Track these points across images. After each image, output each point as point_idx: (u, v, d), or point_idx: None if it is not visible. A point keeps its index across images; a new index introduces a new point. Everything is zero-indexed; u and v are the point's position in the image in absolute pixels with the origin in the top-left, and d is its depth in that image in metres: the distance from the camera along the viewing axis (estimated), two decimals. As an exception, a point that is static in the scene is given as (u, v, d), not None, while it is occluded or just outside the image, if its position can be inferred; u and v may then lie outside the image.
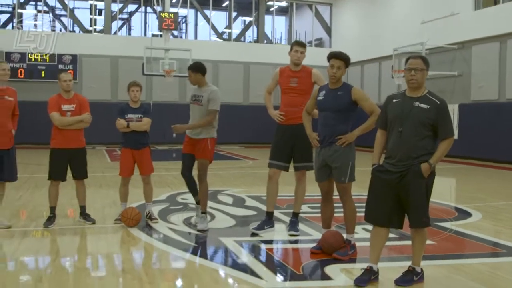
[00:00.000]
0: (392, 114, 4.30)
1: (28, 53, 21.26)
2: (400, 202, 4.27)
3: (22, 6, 24.60)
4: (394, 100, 4.36)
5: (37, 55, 21.46)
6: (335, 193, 5.35)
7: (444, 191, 11.55)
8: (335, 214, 5.58)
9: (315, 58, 13.37)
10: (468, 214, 7.64)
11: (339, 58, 5.07)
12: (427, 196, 4.29)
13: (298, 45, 6.18)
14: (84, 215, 6.66)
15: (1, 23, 24.63)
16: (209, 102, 6.45)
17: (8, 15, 24.96)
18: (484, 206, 8.37)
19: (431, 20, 18.58)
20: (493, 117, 16.41)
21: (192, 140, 6.50)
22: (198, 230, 6.29)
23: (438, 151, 4.24)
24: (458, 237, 6.27)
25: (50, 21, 25.63)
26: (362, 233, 5.99)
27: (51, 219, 6.44)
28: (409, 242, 5.80)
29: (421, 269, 4.43)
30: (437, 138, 4.27)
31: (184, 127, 6.49)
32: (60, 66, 21.46)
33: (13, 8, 23.78)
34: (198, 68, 6.53)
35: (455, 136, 15.76)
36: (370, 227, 6.38)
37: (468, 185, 11.62)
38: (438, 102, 4.20)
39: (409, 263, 4.50)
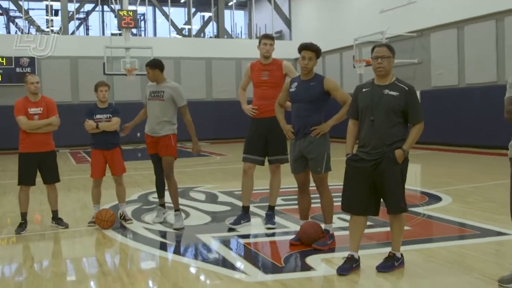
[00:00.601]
0: (362, 103, 4.34)
1: (-16, 57, 20.68)
2: (376, 189, 4.32)
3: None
4: (363, 90, 4.39)
5: (-7, 59, 20.87)
6: (312, 184, 5.39)
7: (413, 176, 11.78)
8: (312, 205, 5.62)
9: (277, 51, 13.37)
10: (438, 199, 7.81)
11: (310, 50, 5.10)
12: (403, 182, 4.35)
13: (266, 38, 6.20)
14: (56, 219, 6.53)
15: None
16: (176, 99, 6.43)
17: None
18: (453, 189, 8.58)
19: (390, 9, 18.87)
20: (454, 103, 16.80)
21: (154, 138, 6.46)
22: (175, 229, 6.25)
23: (409, 137, 4.29)
24: (431, 221, 6.41)
25: (5, 24, 24.95)
26: (339, 223, 6.05)
27: (22, 225, 6.29)
28: (387, 229, 5.91)
29: (401, 254, 4.51)
30: (408, 124, 4.34)
31: (195, 143, 6.63)
32: (18, 69, 20.92)
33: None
34: (156, 65, 6.49)
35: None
36: (346, 216, 6.44)
37: (435, 170, 11.87)
38: (407, 88, 4.25)
39: (389, 249, 4.57)
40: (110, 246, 5.80)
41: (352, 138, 4.49)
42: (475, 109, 16.04)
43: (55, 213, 6.56)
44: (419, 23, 18.08)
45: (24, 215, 6.36)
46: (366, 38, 18.77)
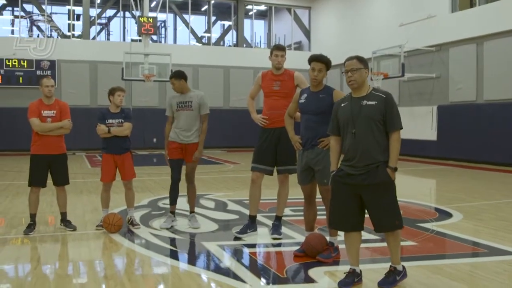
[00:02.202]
0: (343, 118, 4.30)
1: (6, 59, 21.03)
2: (362, 204, 4.26)
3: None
4: (342, 105, 4.36)
5: (15, 61, 21.23)
6: (318, 195, 5.37)
7: (425, 192, 11.68)
8: (318, 217, 5.59)
9: (294, 61, 13.45)
10: (449, 215, 7.72)
11: (320, 61, 5.10)
12: (396, 197, 4.28)
13: (277, 49, 6.20)
14: (65, 221, 6.59)
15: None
16: (202, 107, 6.69)
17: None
18: (465, 206, 8.47)
19: (409, 22, 18.79)
20: (471, 118, 16.63)
21: (182, 145, 6.66)
22: (193, 228, 6.62)
23: (392, 152, 4.22)
24: (440, 238, 6.33)
25: (28, 27, 25.33)
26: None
27: (31, 226, 6.36)
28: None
29: (403, 267, 4.46)
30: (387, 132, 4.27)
31: (200, 151, 6.73)
32: (38, 72, 21.23)
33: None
34: (181, 75, 6.76)
35: (434, 137, 15.99)
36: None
37: (448, 186, 11.74)
38: (384, 96, 4.21)
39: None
40: (116, 250, 5.82)
41: (336, 155, 4.44)
42: (492, 126, 15.87)
43: (63, 215, 6.61)
44: (438, 37, 17.98)
45: (33, 216, 6.43)
46: (385, 51, 18.75)
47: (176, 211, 6.92)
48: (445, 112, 17.67)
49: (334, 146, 4.42)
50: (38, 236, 6.26)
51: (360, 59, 4.25)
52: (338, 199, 4.29)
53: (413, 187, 12.25)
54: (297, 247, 5.45)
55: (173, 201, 6.85)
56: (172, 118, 6.78)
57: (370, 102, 4.18)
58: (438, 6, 18.11)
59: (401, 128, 4.20)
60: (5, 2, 24.45)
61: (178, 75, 6.73)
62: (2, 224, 7.04)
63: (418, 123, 18.57)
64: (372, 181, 4.12)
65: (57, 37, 24.06)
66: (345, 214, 4.26)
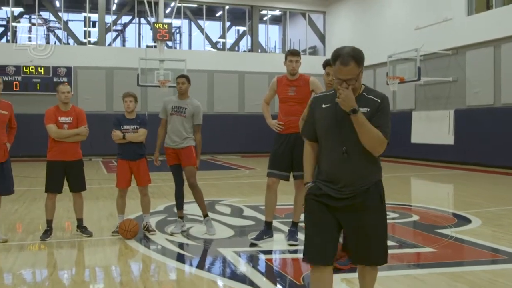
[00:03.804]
0: (323, 124, 3.23)
1: (23, 66, 21.26)
2: (339, 231, 3.34)
3: (16, 19, 24.58)
4: (324, 106, 3.25)
5: (32, 68, 21.45)
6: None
7: (442, 197, 11.55)
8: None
9: (309, 66, 13.41)
10: (468, 221, 7.61)
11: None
12: (386, 226, 3.38)
13: (291, 55, 6.17)
14: (81, 227, 6.60)
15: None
16: (195, 116, 6.77)
17: (2, 29, 24.94)
18: (483, 212, 8.35)
19: (424, 26, 18.67)
20: (489, 122, 16.44)
21: (176, 150, 6.73)
22: (210, 234, 6.58)
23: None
24: (459, 244, 6.24)
25: (45, 34, 25.60)
26: (362, 241, 5.94)
27: (47, 232, 6.38)
28: (410, 250, 5.78)
29: None
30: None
31: (198, 158, 6.82)
32: (55, 79, 21.43)
33: (7, 22, 23.76)
34: (189, 80, 6.95)
35: (451, 142, 15.78)
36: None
37: (466, 191, 11.60)
38: (379, 101, 3.17)
39: (410, 271, 4.45)
40: (131, 257, 5.82)
41: (311, 162, 3.39)
42: (510, 129, 15.67)
43: (80, 221, 6.63)
44: (455, 40, 17.83)
45: (49, 222, 6.45)
46: (401, 55, 18.64)
47: (190, 216, 6.93)
48: (462, 116, 17.49)
49: (309, 152, 3.40)
50: (55, 242, 6.28)
51: (358, 60, 3.09)
52: (314, 223, 3.26)
53: (431, 192, 12.13)
54: (314, 254, 5.39)
55: (179, 206, 6.89)
56: (166, 122, 6.86)
57: (361, 110, 3.09)
58: (454, 9, 17.97)
59: (388, 141, 3.19)
60: (22, 10, 24.73)
61: (188, 79, 6.91)
62: (20, 230, 7.08)
63: (435, 128, 18.41)
64: (360, 204, 3.18)
65: (74, 44, 24.29)
66: (324, 243, 3.22)
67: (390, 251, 5.71)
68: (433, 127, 18.51)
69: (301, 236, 6.30)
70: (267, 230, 6.22)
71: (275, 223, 6.64)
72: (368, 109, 3.13)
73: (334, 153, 3.19)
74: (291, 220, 6.35)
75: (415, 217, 7.91)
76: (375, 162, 3.25)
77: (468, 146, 16.99)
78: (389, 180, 13.54)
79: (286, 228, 6.57)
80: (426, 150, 18.76)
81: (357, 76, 3.08)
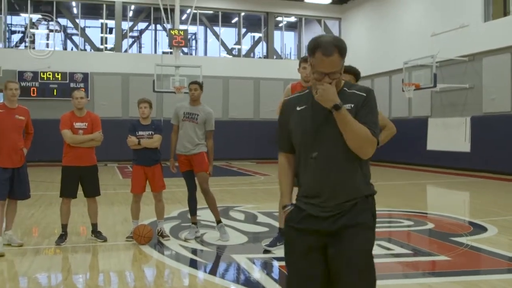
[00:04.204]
0: (300, 129, 2.68)
1: (40, 72, 21.51)
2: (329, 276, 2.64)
3: (34, 26, 24.90)
4: (298, 108, 2.74)
5: (49, 74, 21.69)
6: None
7: (458, 205, 11.44)
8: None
9: (325, 72, 13.36)
10: (484, 229, 7.52)
11: (349, 72, 5.03)
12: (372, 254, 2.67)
13: (305, 61, 6.15)
14: (95, 232, 6.65)
15: (14, 43, 24.92)
16: (207, 123, 6.82)
17: (20, 35, 25.28)
18: (500, 220, 8.25)
19: (441, 32, 18.56)
20: (506, 129, 16.26)
21: (188, 156, 6.78)
22: (224, 240, 6.59)
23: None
24: (474, 253, 6.17)
25: (62, 40, 25.88)
26: (377, 250, 5.91)
27: (62, 237, 6.44)
28: (424, 258, 5.73)
29: None
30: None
31: (210, 164, 6.83)
32: (72, 84, 21.63)
33: (25, 28, 24.07)
34: (202, 87, 7.01)
35: (467, 149, 15.53)
36: (386, 243, 6.34)
37: (482, 199, 11.47)
38: (364, 95, 2.64)
39: (425, 280, 4.41)
40: (145, 262, 5.84)
41: (288, 180, 2.81)
42: (528, 137, 15.49)
43: (94, 226, 6.68)
44: (471, 47, 17.69)
45: (64, 227, 6.51)
46: (416, 62, 18.54)
47: (204, 222, 6.94)
48: (479, 123, 17.33)
49: (284, 167, 2.82)
50: (70, 247, 6.33)
51: (341, 50, 2.58)
52: (298, 272, 2.67)
53: (446, 200, 12.02)
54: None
55: (192, 212, 6.91)
56: (178, 127, 6.90)
57: (345, 106, 2.56)
58: (470, 15, 17.84)
59: (377, 140, 2.60)
60: (40, 16, 25.05)
61: (201, 86, 6.97)
62: (35, 234, 7.15)
63: (451, 134, 18.26)
64: (346, 223, 2.58)
65: (91, 50, 24.52)
66: (307, 282, 2.63)
67: (405, 259, 5.70)
68: (449, 134, 18.36)
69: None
70: (281, 236, 6.20)
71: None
72: (352, 105, 2.60)
73: (307, 161, 2.66)
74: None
75: (430, 225, 7.85)
76: (361, 171, 2.64)
77: (485, 153, 16.81)
78: (404, 187, 13.46)
79: (299, 235, 6.55)
80: (442, 157, 18.61)
81: (340, 69, 2.59)
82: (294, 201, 2.75)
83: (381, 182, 13.83)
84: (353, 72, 5.04)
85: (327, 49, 2.52)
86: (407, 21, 21.42)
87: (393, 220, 8.28)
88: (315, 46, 2.56)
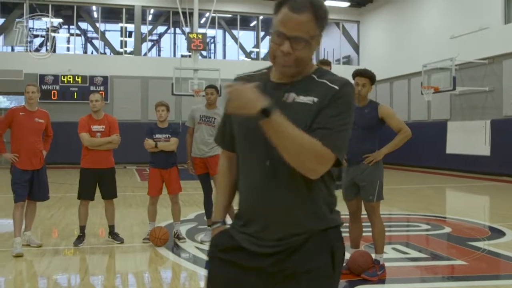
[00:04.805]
0: (242, 125, 1.97)
1: (61, 75, 21.79)
2: None
3: (55, 30, 25.24)
4: None
5: (70, 77, 21.96)
6: (363, 212, 5.29)
7: (477, 209, 11.33)
8: (364, 234, 5.50)
9: (343, 75, 13.27)
10: (502, 233, 7.44)
11: (364, 76, 5.05)
12: None
13: (322, 64, 6.17)
14: (113, 234, 6.72)
15: (35, 46, 25.30)
16: None
17: (42, 39, 25.64)
18: (519, 224, 8.17)
19: (460, 35, 18.40)
20: (527, 133, 16.06)
21: (203, 159, 6.81)
22: None
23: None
24: (492, 257, 6.11)
25: (82, 44, 26.19)
26: (391, 253, 5.89)
27: (80, 238, 6.52)
28: (442, 263, 5.70)
29: None
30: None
31: None
32: (92, 88, 21.87)
33: (47, 32, 24.42)
34: (218, 90, 7.06)
35: (487, 153, 15.34)
36: (400, 246, 6.31)
37: (501, 203, 11.34)
38: (337, 88, 1.87)
39: (442, 284, 4.39)
40: (161, 264, 5.89)
41: (223, 188, 2.14)
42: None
43: (111, 228, 6.75)
44: (491, 49, 17.50)
45: (82, 228, 6.59)
46: (436, 65, 18.40)
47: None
48: (499, 126, 17.13)
49: (223, 171, 2.15)
50: (88, 248, 6.40)
51: (318, 12, 1.89)
52: None
53: (465, 204, 11.90)
54: (343, 264, 5.36)
55: (209, 214, 6.90)
56: (193, 130, 6.92)
57: (304, 99, 1.87)
58: (490, 18, 17.66)
59: (339, 160, 1.81)
60: (61, 20, 25.39)
61: (217, 89, 7.02)
62: (54, 235, 7.25)
63: (471, 138, 18.07)
64: (293, 268, 1.85)
65: (110, 54, 24.78)
66: None
67: (422, 263, 5.66)
68: (469, 138, 18.18)
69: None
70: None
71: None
72: (316, 99, 1.84)
73: (253, 172, 1.91)
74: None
75: (448, 229, 7.78)
76: (325, 192, 1.89)
77: (505, 157, 16.60)
78: (423, 191, 13.36)
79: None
80: (462, 161, 18.42)
81: (310, 38, 1.87)
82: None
83: (399, 185, 13.75)
84: (368, 75, 5.05)
85: (297, 3, 1.82)
86: (426, 24, 21.27)
87: (411, 224, 8.22)
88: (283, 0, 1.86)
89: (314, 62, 2.11)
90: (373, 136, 5.09)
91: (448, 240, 7.21)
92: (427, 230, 7.62)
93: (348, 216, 5.43)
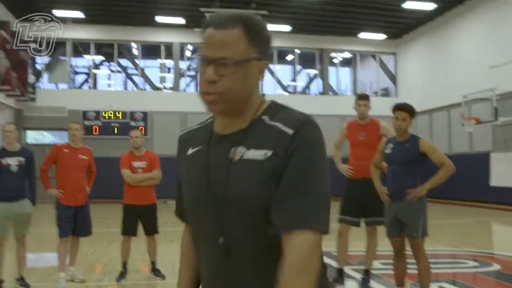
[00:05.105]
0: (186, 187, 1.64)
1: (102, 112, 22.32)
2: None
3: (97, 67, 25.97)
4: (190, 151, 1.66)
5: (111, 113, 22.47)
6: (408, 248, 5.17)
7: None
8: (409, 271, 5.37)
9: (381, 108, 13.24)
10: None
11: (403, 110, 5.02)
12: None
13: (360, 99, 6.18)
14: (154, 270, 6.74)
15: (78, 84, 26.05)
16: None
17: (84, 76, 26.40)
18: None
19: (500, 64, 18.11)
20: None
21: None
22: None
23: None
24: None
25: (123, 81, 26.83)
26: (438, 291, 5.72)
27: (123, 274, 6.56)
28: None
29: None
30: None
31: None
32: (132, 123, 22.30)
33: (89, 69, 25.14)
34: None
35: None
36: (447, 284, 6.12)
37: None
38: (291, 132, 1.44)
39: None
40: (203, 301, 5.84)
41: (185, 269, 1.77)
42: None
43: (153, 264, 6.77)
44: (534, 79, 17.15)
45: (125, 264, 6.63)
46: (476, 95, 18.11)
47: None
48: (545, 158, 16.65)
49: (184, 249, 1.80)
50: (130, 283, 6.43)
51: (249, 27, 1.45)
52: None
53: (506, 238, 11.51)
54: (387, 303, 5.25)
55: None
56: None
57: (254, 153, 1.43)
58: (532, 47, 17.36)
59: (323, 231, 1.41)
60: (103, 58, 26.13)
61: None
62: (98, 271, 7.31)
63: (515, 170, 17.60)
64: None
65: (150, 89, 25.30)
66: None
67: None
68: (513, 170, 17.70)
69: (373, 284, 6.15)
70: (338, 277, 6.11)
71: (347, 270, 6.51)
72: (270, 152, 1.41)
73: (206, 250, 1.55)
74: (363, 267, 6.21)
75: (496, 266, 7.52)
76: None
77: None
78: (468, 225, 12.99)
79: (358, 276, 6.43)
80: (508, 194, 17.90)
81: (243, 61, 1.43)
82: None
83: (443, 220, 13.42)
84: (408, 109, 5.01)
85: (221, 18, 1.43)
86: (464, 54, 21.04)
87: (457, 260, 7.97)
88: (207, 22, 1.46)
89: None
90: (415, 171, 5.01)
91: (497, 278, 6.95)
92: (474, 267, 7.37)
93: (392, 253, 5.33)
